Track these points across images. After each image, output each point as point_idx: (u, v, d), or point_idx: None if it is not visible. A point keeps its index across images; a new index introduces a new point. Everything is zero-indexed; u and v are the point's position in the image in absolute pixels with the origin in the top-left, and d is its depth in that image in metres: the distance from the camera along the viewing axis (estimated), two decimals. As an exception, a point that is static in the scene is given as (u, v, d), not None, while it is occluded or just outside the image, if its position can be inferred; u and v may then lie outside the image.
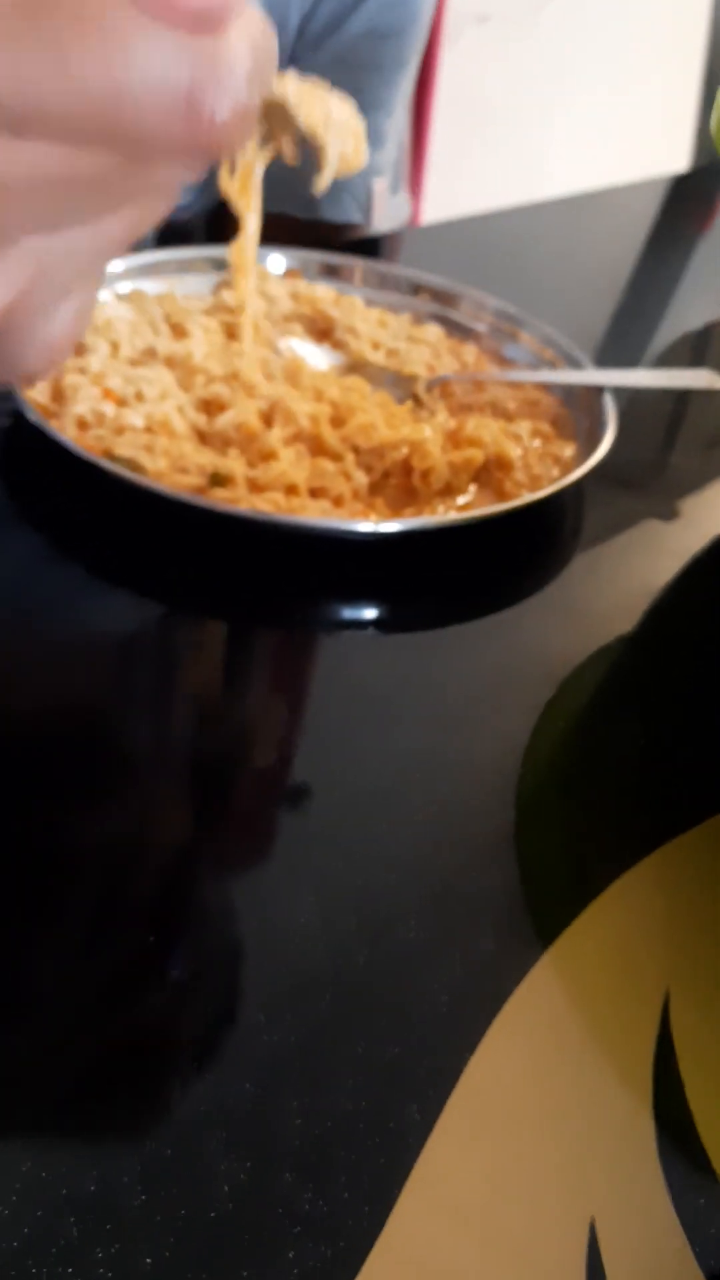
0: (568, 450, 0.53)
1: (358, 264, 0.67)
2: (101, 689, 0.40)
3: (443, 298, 0.66)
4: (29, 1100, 0.26)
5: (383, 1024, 0.29)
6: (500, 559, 0.48)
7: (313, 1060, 0.28)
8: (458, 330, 0.64)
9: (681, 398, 0.68)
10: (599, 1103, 0.28)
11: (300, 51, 0.70)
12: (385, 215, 0.82)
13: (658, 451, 0.63)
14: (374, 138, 0.74)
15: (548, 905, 0.33)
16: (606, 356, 0.60)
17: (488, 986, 0.30)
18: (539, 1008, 0.30)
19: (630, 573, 0.50)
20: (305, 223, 0.77)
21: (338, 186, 0.75)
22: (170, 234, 0.72)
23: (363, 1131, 0.26)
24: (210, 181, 0.73)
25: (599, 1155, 0.27)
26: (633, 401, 0.62)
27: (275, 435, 0.47)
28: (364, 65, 0.71)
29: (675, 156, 1.71)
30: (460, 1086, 0.28)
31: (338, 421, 0.50)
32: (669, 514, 0.56)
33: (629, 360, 0.72)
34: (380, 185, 0.79)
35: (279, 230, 0.67)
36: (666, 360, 0.75)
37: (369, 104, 0.74)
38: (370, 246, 0.82)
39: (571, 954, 0.32)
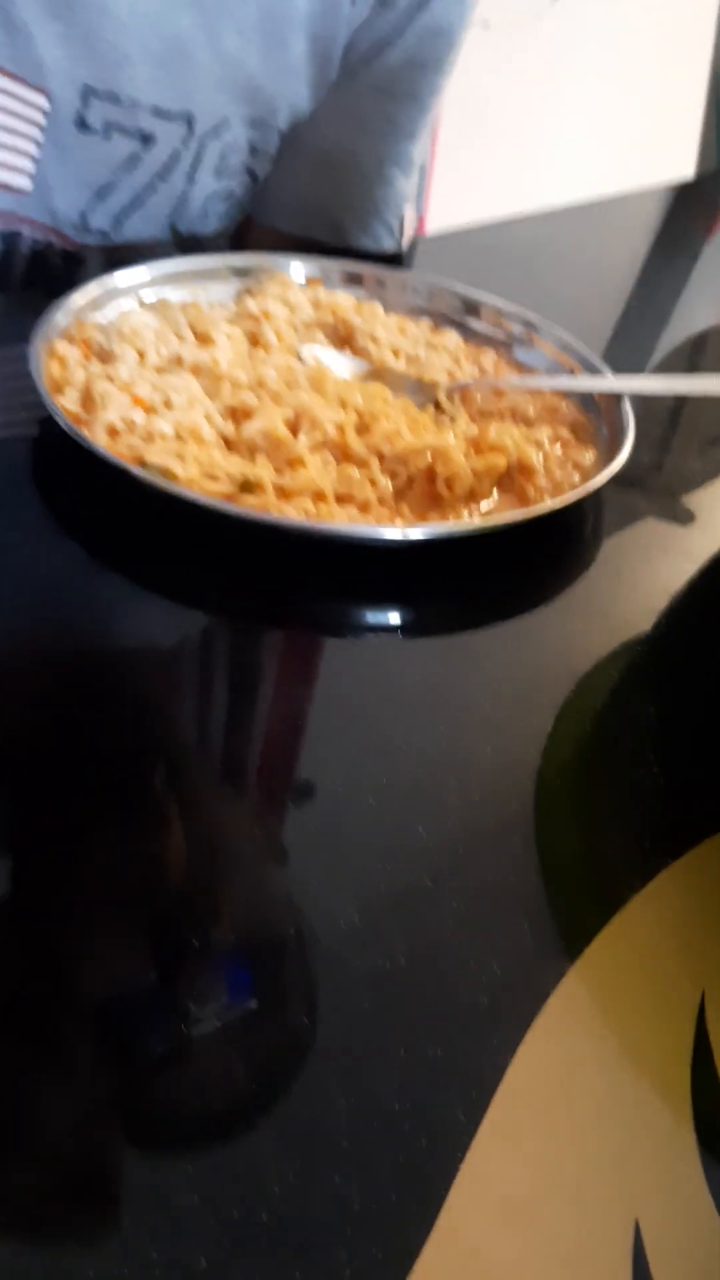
0: (588, 455, 0.54)
1: (376, 271, 0.68)
2: (134, 696, 0.40)
3: (462, 305, 0.66)
4: (80, 1101, 0.26)
5: (425, 1024, 0.29)
6: (522, 563, 0.49)
7: (357, 1061, 0.28)
8: (476, 337, 0.65)
9: (697, 402, 0.69)
10: (639, 1105, 0.29)
11: (340, 80, 0.70)
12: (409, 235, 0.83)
13: (674, 455, 0.63)
14: (406, 166, 0.75)
15: (577, 911, 0.33)
16: (613, 361, 0.60)
17: (527, 988, 0.30)
18: (575, 1012, 0.30)
19: (651, 576, 0.50)
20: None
21: (369, 215, 0.76)
22: (192, 244, 0.72)
23: (409, 1131, 0.27)
24: (234, 200, 0.73)
25: (642, 1157, 0.27)
26: (648, 405, 0.62)
27: (302, 442, 0.48)
28: (400, 95, 0.71)
29: (681, 164, 1.71)
30: (503, 1087, 0.28)
31: (362, 428, 0.50)
32: (686, 517, 0.57)
33: (635, 365, 0.72)
34: (409, 210, 0.79)
35: (302, 251, 0.67)
36: (670, 365, 0.76)
37: (405, 134, 0.74)
38: (381, 255, 0.82)
39: (603, 960, 0.32)
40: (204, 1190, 0.25)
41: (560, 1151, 0.27)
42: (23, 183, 0.63)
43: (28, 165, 0.62)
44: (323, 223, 0.76)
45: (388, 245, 0.79)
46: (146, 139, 0.63)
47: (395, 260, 0.80)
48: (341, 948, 0.31)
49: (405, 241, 0.80)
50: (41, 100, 0.59)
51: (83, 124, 0.61)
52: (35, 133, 0.61)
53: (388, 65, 0.69)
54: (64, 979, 0.29)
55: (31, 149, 0.61)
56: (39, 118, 0.60)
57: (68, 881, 0.32)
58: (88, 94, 0.60)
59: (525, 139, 1.73)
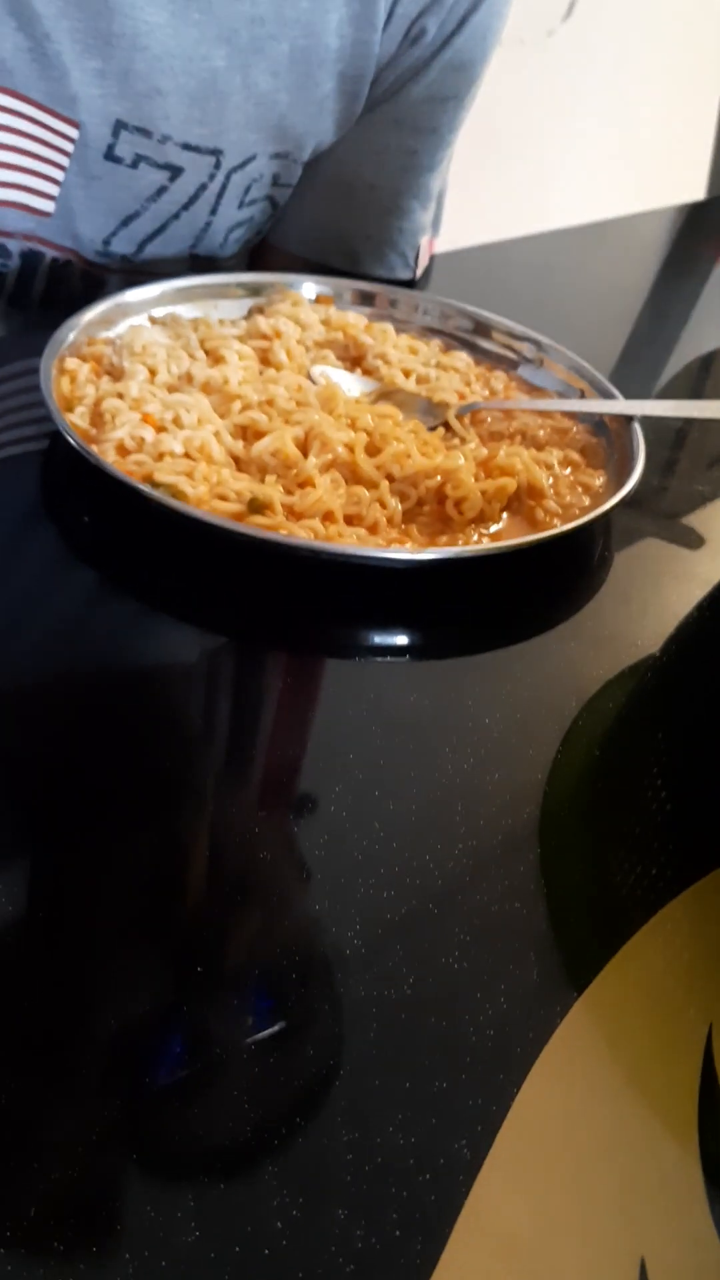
0: (598, 479, 0.54)
1: (388, 291, 0.68)
2: (139, 717, 0.40)
3: (472, 326, 0.66)
4: (81, 1136, 0.26)
5: (430, 1057, 0.29)
6: (531, 585, 0.49)
7: (361, 1094, 0.28)
8: (486, 358, 0.65)
9: (704, 425, 0.69)
10: (645, 1142, 0.28)
11: (363, 113, 0.70)
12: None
13: (683, 479, 0.63)
14: (424, 197, 0.75)
15: (583, 942, 0.33)
16: (620, 383, 0.60)
17: (532, 1021, 0.30)
18: (581, 1046, 0.30)
19: (660, 599, 0.50)
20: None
21: (385, 246, 0.76)
22: (209, 265, 0.72)
23: (413, 1167, 0.26)
24: (254, 226, 0.74)
25: (648, 1193, 0.27)
26: (657, 428, 0.62)
27: (312, 463, 0.48)
28: (421, 128, 0.72)
29: (691, 185, 1.72)
30: (507, 1123, 0.28)
31: (372, 449, 0.50)
32: (695, 541, 0.56)
33: (643, 386, 0.72)
34: (426, 239, 0.79)
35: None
36: (678, 386, 0.76)
37: (424, 166, 0.74)
38: (395, 283, 0.82)
39: (610, 993, 0.32)
40: (205, 1225, 0.24)
41: (565, 1188, 0.27)
42: (46, 205, 0.63)
43: (51, 189, 0.62)
44: (339, 250, 0.77)
45: (402, 275, 0.79)
46: (174, 172, 0.64)
47: (408, 285, 0.80)
48: (346, 976, 0.30)
49: (420, 270, 0.80)
50: (72, 131, 0.60)
51: (111, 155, 0.61)
52: (62, 159, 0.61)
53: (410, 99, 0.69)
54: (69, 1006, 0.29)
55: (57, 174, 0.61)
56: (67, 146, 0.60)
57: (72, 906, 0.31)
58: (119, 127, 0.60)
59: (535, 158, 1.73)
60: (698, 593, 0.51)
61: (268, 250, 0.79)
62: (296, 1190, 0.25)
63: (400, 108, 0.70)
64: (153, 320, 0.60)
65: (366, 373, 0.60)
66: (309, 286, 0.67)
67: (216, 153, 0.64)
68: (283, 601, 0.45)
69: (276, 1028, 0.29)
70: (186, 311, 0.61)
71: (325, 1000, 0.30)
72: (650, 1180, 0.27)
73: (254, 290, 0.64)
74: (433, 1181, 0.26)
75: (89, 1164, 0.25)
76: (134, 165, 0.63)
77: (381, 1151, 0.26)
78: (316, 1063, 0.28)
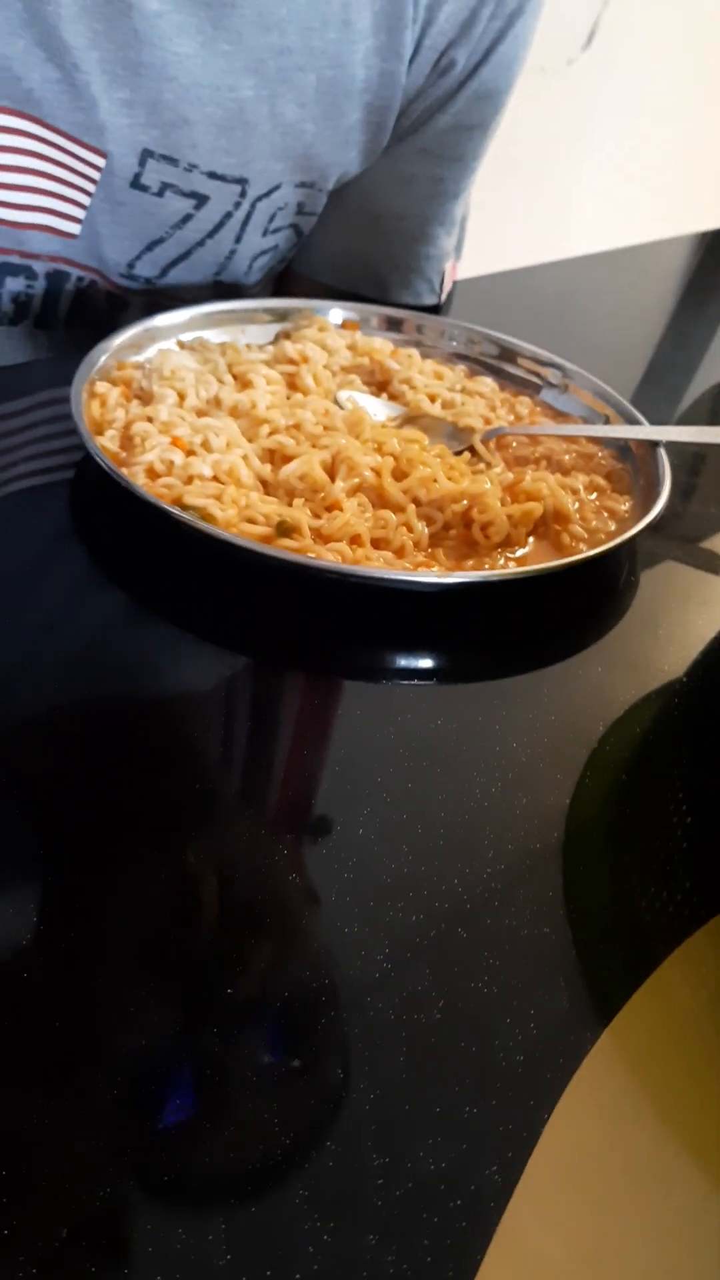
0: (623, 504, 0.54)
1: (414, 317, 0.69)
2: (165, 739, 0.40)
3: (497, 351, 0.67)
4: (112, 1156, 0.26)
5: (459, 1082, 0.29)
6: (557, 610, 0.49)
7: (392, 1118, 0.28)
8: (512, 383, 0.65)
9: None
10: (676, 1173, 0.28)
11: (389, 143, 0.71)
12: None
13: (710, 504, 0.63)
14: (449, 224, 0.76)
15: (611, 969, 0.33)
16: (642, 408, 0.60)
17: (562, 1047, 0.30)
18: (611, 1074, 0.30)
19: (686, 624, 0.50)
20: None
21: (412, 273, 0.77)
22: (234, 292, 0.73)
23: (444, 1193, 0.26)
24: (278, 254, 0.74)
25: (678, 1225, 0.27)
26: (682, 453, 0.62)
27: (339, 486, 0.48)
28: (447, 157, 0.72)
29: (712, 212, 1.72)
30: (539, 1150, 0.28)
31: (399, 473, 0.50)
32: (720, 567, 0.56)
33: (664, 411, 0.72)
34: (450, 264, 0.80)
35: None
36: (699, 412, 0.76)
37: (449, 194, 0.75)
38: (419, 307, 0.83)
39: (639, 1020, 0.31)
40: (237, 1248, 0.24)
41: (597, 1216, 0.27)
42: (71, 228, 0.64)
43: (77, 213, 0.63)
44: (366, 277, 0.77)
45: (428, 300, 0.80)
46: (200, 200, 0.65)
47: (433, 310, 0.80)
48: (376, 1001, 0.30)
49: (444, 294, 0.81)
50: (99, 159, 0.60)
51: (138, 183, 0.62)
52: (89, 185, 0.62)
53: (437, 129, 0.70)
54: (96, 1029, 0.29)
55: (83, 200, 0.62)
56: (94, 173, 0.61)
57: (101, 927, 0.32)
58: (146, 156, 0.61)
59: (557, 185, 1.74)
60: (724, 618, 0.51)
61: (294, 278, 0.79)
62: (327, 1214, 0.25)
63: (427, 137, 0.70)
64: (181, 345, 0.61)
65: (393, 397, 0.61)
66: (336, 312, 0.67)
67: (242, 181, 0.65)
68: (310, 624, 0.46)
69: (306, 1051, 0.29)
70: (215, 336, 0.62)
71: (355, 1023, 0.30)
72: (681, 1212, 0.27)
73: (281, 316, 0.65)
74: (464, 1207, 0.26)
75: (120, 1187, 0.25)
76: (160, 193, 0.63)
77: (412, 1176, 0.26)
78: (346, 1086, 0.28)
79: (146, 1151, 0.26)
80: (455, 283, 0.84)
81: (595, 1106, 0.29)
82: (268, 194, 0.67)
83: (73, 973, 0.30)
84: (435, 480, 0.50)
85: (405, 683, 0.44)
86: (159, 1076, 0.28)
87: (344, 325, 0.67)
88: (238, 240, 0.69)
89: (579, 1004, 0.32)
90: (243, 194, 0.66)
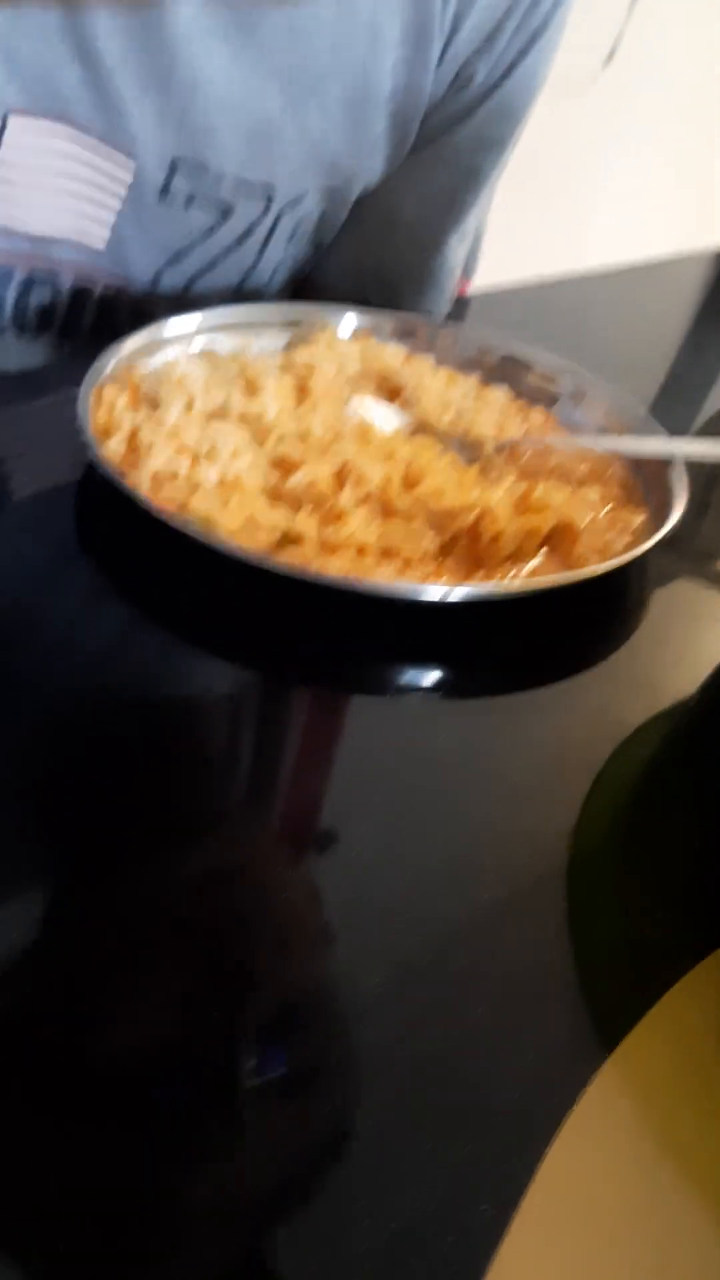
0: (636, 519, 0.53)
1: (428, 325, 0.68)
2: (165, 749, 0.39)
3: (511, 361, 0.66)
4: (91, 1183, 0.25)
5: (454, 1114, 0.28)
6: (566, 625, 0.48)
7: (382, 1151, 0.27)
8: (525, 393, 0.64)
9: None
10: (679, 1211, 0.27)
11: (409, 153, 0.71)
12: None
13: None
14: (463, 234, 0.76)
15: (614, 999, 0.32)
16: (659, 422, 0.60)
17: (561, 1079, 0.29)
18: (612, 1107, 0.29)
19: (697, 644, 0.49)
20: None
21: (424, 282, 0.77)
22: (245, 295, 0.73)
23: (437, 1229, 0.25)
24: (299, 264, 0.74)
25: (682, 1266, 0.26)
26: (697, 470, 0.61)
27: (347, 496, 0.47)
28: (465, 170, 0.72)
29: (732, 227, 1.72)
30: (535, 1186, 0.27)
31: (408, 484, 0.50)
32: (735, 585, 0.56)
33: (679, 428, 0.72)
34: (459, 274, 0.80)
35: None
36: (713, 428, 0.75)
37: (465, 206, 0.75)
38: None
39: (642, 1053, 0.30)
40: (218, 1284, 0.24)
41: (595, 1256, 0.26)
42: (98, 240, 0.64)
43: (105, 225, 0.63)
44: (379, 286, 0.77)
45: (439, 309, 0.80)
46: (225, 210, 0.65)
47: (445, 319, 0.80)
48: (371, 1028, 0.30)
49: (450, 300, 0.81)
50: (128, 169, 0.60)
51: (166, 192, 0.62)
52: (118, 196, 0.62)
53: (456, 142, 0.70)
54: (81, 1044, 0.28)
55: (110, 211, 0.62)
56: (122, 184, 0.61)
57: (91, 940, 0.31)
58: (174, 166, 0.61)
59: (576, 199, 1.74)
60: (737, 638, 0.50)
61: (308, 287, 0.79)
62: (317, 1249, 0.24)
63: (446, 149, 0.70)
64: (191, 351, 0.60)
65: (404, 406, 0.60)
66: (348, 320, 0.67)
67: (268, 192, 0.65)
68: (314, 635, 0.45)
69: (295, 1078, 0.28)
70: (225, 343, 0.62)
71: (346, 1050, 0.29)
72: (685, 1252, 0.26)
73: (293, 323, 0.64)
74: (456, 1245, 0.25)
75: (99, 1219, 0.25)
76: (186, 204, 0.64)
77: (404, 1211, 0.25)
78: (336, 1117, 0.28)
79: (125, 1182, 0.25)
80: (472, 296, 0.84)
81: (595, 1140, 0.28)
82: (293, 205, 0.67)
83: (57, 987, 0.29)
84: (444, 491, 0.49)
85: (409, 697, 0.44)
86: (139, 1101, 0.27)
87: (355, 336, 0.66)
88: (262, 252, 0.69)
89: (580, 1033, 0.31)
90: (268, 205, 0.66)
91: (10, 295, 0.66)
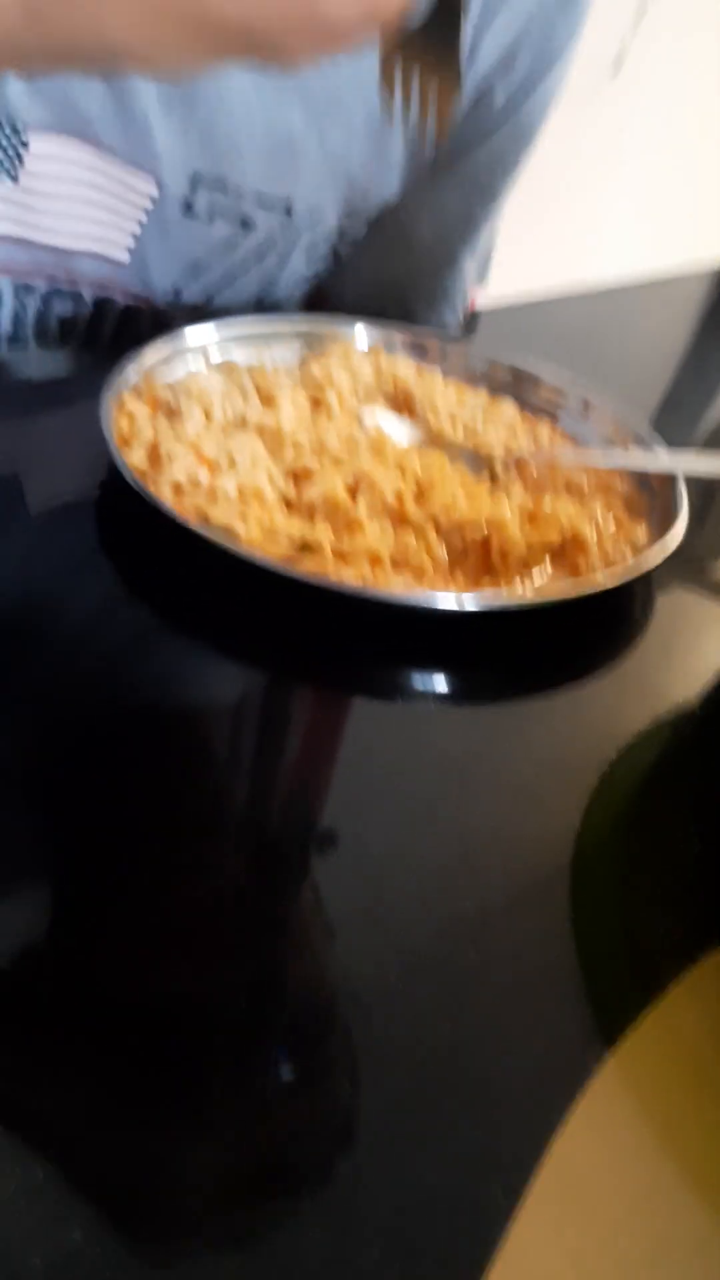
0: (641, 532, 0.54)
1: (439, 340, 0.69)
2: (180, 752, 0.40)
3: (519, 376, 0.67)
4: (108, 1163, 0.27)
5: (465, 1100, 0.29)
6: (572, 635, 0.49)
7: (397, 1133, 0.28)
8: (533, 408, 0.66)
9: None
10: (679, 1203, 0.28)
11: (427, 172, 0.72)
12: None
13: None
14: (473, 249, 0.77)
15: (618, 994, 0.33)
16: (662, 438, 0.61)
17: (568, 1070, 0.30)
18: (615, 1099, 0.30)
19: (700, 654, 0.51)
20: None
21: (438, 297, 0.78)
22: (263, 307, 0.74)
23: (447, 1211, 0.27)
24: (317, 278, 0.76)
25: (680, 1256, 0.27)
26: (701, 484, 0.63)
27: (361, 507, 0.49)
28: (480, 189, 0.73)
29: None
30: (542, 1172, 0.28)
31: (420, 496, 0.51)
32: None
33: (682, 443, 0.73)
34: (474, 289, 0.81)
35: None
36: (717, 443, 0.76)
37: (479, 223, 0.76)
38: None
39: (644, 1047, 0.32)
40: (239, 1259, 0.25)
41: (600, 1242, 0.27)
42: (121, 255, 0.65)
43: (129, 240, 0.64)
44: (394, 302, 0.79)
45: (451, 324, 0.81)
46: (246, 225, 0.66)
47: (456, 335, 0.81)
48: (382, 1019, 0.31)
49: (464, 317, 0.82)
50: (151, 185, 0.62)
51: (188, 209, 0.64)
52: (140, 213, 0.63)
53: (473, 162, 0.71)
54: (97, 1034, 0.29)
55: (134, 227, 0.64)
56: (146, 201, 0.62)
57: (108, 934, 0.32)
58: (196, 182, 0.62)
59: (583, 215, 1.75)
60: (738, 649, 0.51)
61: (323, 301, 0.80)
62: (331, 1229, 0.26)
63: (465, 170, 0.71)
64: (209, 364, 0.62)
65: (415, 420, 0.61)
66: (362, 334, 0.68)
67: (288, 207, 0.66)
68: (329, 642, 0.46)
69: (311, 1063, 0.29)
70: (242, 356, 0.63)
71: (360, 1038, 0.30)
72: (683, 1242, 0.27)
73: (308, 337, 0.66)
74: (467, 1224, 0.26)
75: (123, 1194, 0.26)
76: (209, 220, 0.65)
77: (416, 1194, 0.27)
78: (351, 1100, 0.29)
79: (145, 1160, 0.27)
80: (481, 311, 0.85)
81: (599, 1131, 0.29)
82: (312, 220, 0.68)
83: (75, 979, 0.31)
84: (455, 503, 0.50)
85: (419, 702, 0.45)
86: (156, 1088, 0.28)
87: (370, 348, 0.68)
88: (281, 267, 0.70)
89: (584, 1027, 0.32)
90: (288, 220, 0.67)
91: (33, 307, 0.67)
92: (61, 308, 0.67)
